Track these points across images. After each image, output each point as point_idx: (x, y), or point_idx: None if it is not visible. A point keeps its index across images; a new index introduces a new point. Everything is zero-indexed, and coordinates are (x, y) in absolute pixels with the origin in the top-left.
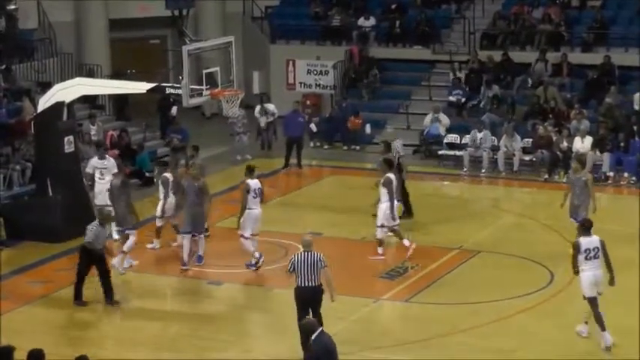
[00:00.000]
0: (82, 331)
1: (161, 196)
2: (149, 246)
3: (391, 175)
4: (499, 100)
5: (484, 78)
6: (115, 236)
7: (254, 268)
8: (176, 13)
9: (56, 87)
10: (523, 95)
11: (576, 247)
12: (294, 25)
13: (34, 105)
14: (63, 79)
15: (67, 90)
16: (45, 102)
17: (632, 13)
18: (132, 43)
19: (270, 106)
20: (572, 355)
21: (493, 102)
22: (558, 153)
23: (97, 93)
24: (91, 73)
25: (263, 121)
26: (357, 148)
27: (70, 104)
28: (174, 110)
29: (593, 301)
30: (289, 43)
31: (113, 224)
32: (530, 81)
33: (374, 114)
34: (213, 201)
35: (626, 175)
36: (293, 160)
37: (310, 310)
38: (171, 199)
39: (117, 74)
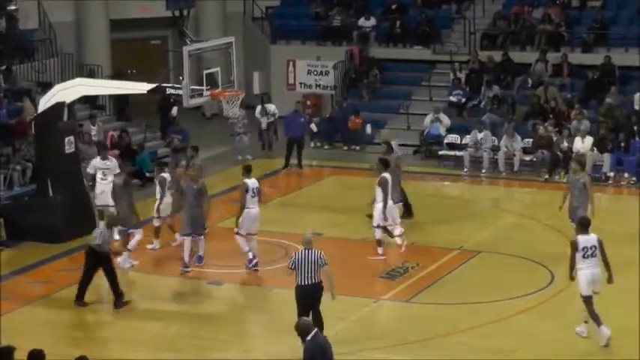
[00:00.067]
0: (82, 332)
1: (158, 195)
2: (149, 246)
3: (387, 175)
4: (499, 100)
5: (484, 78)
6: (116, 236)
7: (255, 268)
8: (177, 13)
9: (57, 87)
10: (523, 95)
11: (574, 246)
12: (295, 26)
13: (35, 105)
14: (63, 80)
15: (68, 90)
16: (45, 102)
17: (632, 13)
18: (132, 44)
19: (271, 107)
20: (572, 355)
21: (493, 102)
22: (559, 153)
23: (98, 93)
24: (91, 74)
25: (264, 122)
26: (358, 148)
27: (71, 104)
28: (174, 111)
29: (587, 300)
30: (290, 43)
31: None
32: (530, 81)
33: (374, 114)
34: (214, 201)
35: (626, 175)
36: (293, 161)
37: (310, 308)
38: (168, 198)
39: (117, 75)
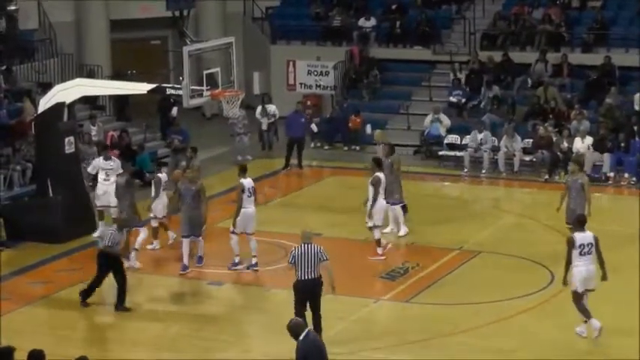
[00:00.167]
0: (82, 332)
1: (152, 195)
2: (149, 247)
3: (380, 175)
4: (499, 100)
5: (484, 78)
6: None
7: (255, 269)
8: (177, 13)
9: (57, 88)
10: (523, 96)
11: (571, 242)
12: (295, 26)
13: (35, 106)
14: (63, 80)
15: (68, 91)
16: (45, 103)
17: (632, 13)
18: (132, 44)
19: (272, 107)
20: (572, 356)
21: (493, 102)
22: (559, 153)
23: (98, 94)
24: (91, 74)
25: (264, 122)
26: (358, 148)
27: (71, 105)
28: (174, 111)
29: (578, 296)
30: (290, 43)
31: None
32: (530, 81)
33: (374, 114)
34: (215, 201)
35: (626, 175)
36: (293, 161)
37: (309, 303)
38: (163, 199)
39: (117, 75)
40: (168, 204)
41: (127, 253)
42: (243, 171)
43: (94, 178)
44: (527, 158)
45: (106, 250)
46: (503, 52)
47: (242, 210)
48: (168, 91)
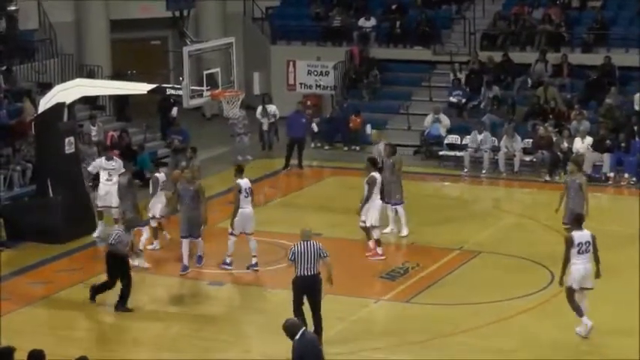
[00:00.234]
0: (82, 332)
1: (150, 195)
2: (149, 247)
3: (376, 174)
4: (499, 100)
5: (484, 79)
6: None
7: (255, 268)
8: (177, 14)
9: (57, 88)
10: (523, 96)
11: (569, 241)
12: (295, 26)
13: (35, 106)
14: (63, 80)
15: (68, 91)
16: (45, 103)
17: (632, 13)
18: (133, 44)
19: (272, 107)
20: (572, 356)
21: (493, 103)
22: (559, 153)
23: (98, 94)
24: (91, 74)
25: (265, 123)
26: (358, 148)
27: (71, 105)
28: (174, 111)
29: (571, 292)
30: (290, 43)
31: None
32: (530, 81)
33: (374, 115)
34: (215, 202)
35: (626, 175)
36: (294, 161)
37: (308, 301)
38: (161, 198)
39: (117, 75)
40: (167, 204)
41: (134, 252)
42: (239, 171)
43: (95, 178)
44: (528, 158)
45: (113, 251)
46: (503, 52)
47: (239, 210)
48: (169, 92)
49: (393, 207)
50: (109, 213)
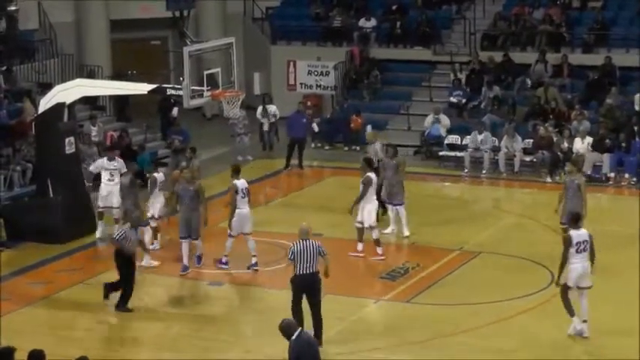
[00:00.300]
0: (82, 332)
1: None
2: (150, 247)
3: (371, 175)
4: (500, 100)
5: (485, 79)
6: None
7: (255, 268)
8: (177, 14)
9: (57, 88)
10: (524, 96)
11: (568, 241)
12: (295, 26)
13: (35, 106)
14: (64, 80)
15: (68, 91)
16: (46, 103)
17: (632, 13)
18: (133, 44)
19: (272, 108)
20: (572, 356)
21: (494, 103)
22: (559, 154)
23: (98, 94)
24: (91, 74)
25: (265, 123)
26: (358, 148)
27: (71, 105)
28: (175, 111)
29: (566, 290)
30: (290, 44)
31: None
32: (530, 82)
33: (375, 115)
34: (215, 202)
35: (627, 175)
36: (294, 161)
37: (308, 300)
38: (159, 198)
39: (118, 75)
40: (165, 204)
41: (145, 250)
42: (236, 172)
43: (95, 178)
44: (528, 158)
45: (118, 248)
46: (503, 52)
47: (237, 211)
48: (169, 92)
49: (394, 207)
50: (110, 213)
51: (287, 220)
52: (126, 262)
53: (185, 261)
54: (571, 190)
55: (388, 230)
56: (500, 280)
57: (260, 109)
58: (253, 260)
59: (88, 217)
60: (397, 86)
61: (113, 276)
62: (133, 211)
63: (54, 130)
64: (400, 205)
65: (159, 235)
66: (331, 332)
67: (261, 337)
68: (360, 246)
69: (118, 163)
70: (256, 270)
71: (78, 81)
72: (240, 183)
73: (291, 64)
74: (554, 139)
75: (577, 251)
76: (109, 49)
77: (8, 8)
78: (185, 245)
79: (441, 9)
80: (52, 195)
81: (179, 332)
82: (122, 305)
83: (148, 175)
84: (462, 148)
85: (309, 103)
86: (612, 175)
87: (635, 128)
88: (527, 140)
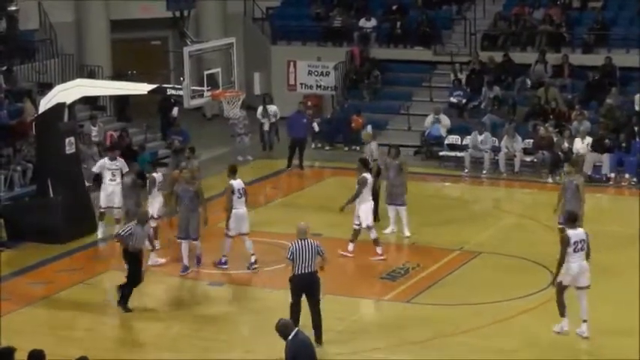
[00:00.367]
0: (82, 332)
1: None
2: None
3: (367, 175)
4: (500, 101)
5: (485, 79)
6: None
7: (255, 266)
8: (177, 14)
9: (57, 88)
10: (524, 96)
11: (566, 240)
12: (295, 26)
13: (35, 106)
14: (64, 80)
15: (68, 91)
16: (46, 103)
17: (632, 14)
18: (133, 44)
19: (273, 108)
20: (572, 356)
21: (494, 103)
22: (559, 154)
23: (98, 94)
24: (92, 74)
25: (266, 123)
26: (358, 148)
27: (71, 105)
28: (175, 111)
29: (561, 289)
30: (290, 44)
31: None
32: (529, 82)
33: (375, 115)
34: (215, 202)
35: (627, 176)
36: (295, 161)
37: (307, 299)
38: (158, 198)
39: (118, 75)
40: (164, 204)
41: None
42: (232, 172)
43: (96, 178)
44: (528, 159)
45: (124, 244)
46: (503, 52)
47: (233, 211)
48: (169, 92)
49: (395, 208)
50: (111, 213)
51: (287, 220)
52: (133, 259)
53: (185, 261)
54: (570, 191)
55: (388, 230)
56: (500, 280)
57: (260, 109)
58: (252, 259)
59: (88, 217)
60: (397, 86)
61: (113, 276)
62: (135, 211)
63: (54, 130)
64: (402, 205)
65: (158, 235)
66: (331, 332)
67: (261, 337)
68: (350, 246)
69: (120, 163)
70: (255, 269)
71: (78, 81)
72: (237, 183)
73: (292, 64)
74: (555, 139)
75: (574, 250)
76: (109, 49)
77: (8, 8)
78: (185, 245)
79: (442, 9)
80: (52, 195)
81: (179, 332)
82: (123, 302)
83: (147, 175)
84: (462, 148)
85: (309, 103)
86: (612, 175)
87: (635, 128)
88: (527, 140)
